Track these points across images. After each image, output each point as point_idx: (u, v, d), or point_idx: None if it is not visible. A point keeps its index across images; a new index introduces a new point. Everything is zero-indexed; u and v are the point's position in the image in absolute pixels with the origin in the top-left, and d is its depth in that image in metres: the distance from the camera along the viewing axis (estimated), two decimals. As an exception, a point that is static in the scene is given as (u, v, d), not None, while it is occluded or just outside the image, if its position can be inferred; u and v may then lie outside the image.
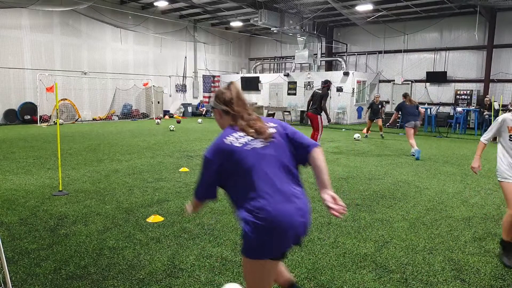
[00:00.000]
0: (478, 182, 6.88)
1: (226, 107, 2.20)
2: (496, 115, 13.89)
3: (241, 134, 2.14)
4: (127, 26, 19.22)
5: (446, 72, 18.95)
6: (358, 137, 12.97)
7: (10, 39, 16.40)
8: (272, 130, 2.19)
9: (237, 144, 2.09)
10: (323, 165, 2.17)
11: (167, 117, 21.54)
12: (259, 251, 2.03)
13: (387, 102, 20.40)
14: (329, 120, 10.28)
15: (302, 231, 2.09)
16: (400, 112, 10.62)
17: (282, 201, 2.03)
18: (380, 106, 13.71)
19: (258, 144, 2.12)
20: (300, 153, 2.20)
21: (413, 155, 9.58)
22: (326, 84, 10.28)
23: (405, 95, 10.64)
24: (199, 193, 2.22)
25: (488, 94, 17.30)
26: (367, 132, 13.85)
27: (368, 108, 14.05)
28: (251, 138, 2.13)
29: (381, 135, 13.89)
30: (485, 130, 17.48)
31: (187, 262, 3.48)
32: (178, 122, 18.35)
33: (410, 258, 3.66)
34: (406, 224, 4.62)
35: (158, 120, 18.21)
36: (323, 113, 10.03)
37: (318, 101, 9.92)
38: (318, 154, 2.18)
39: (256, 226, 1.98)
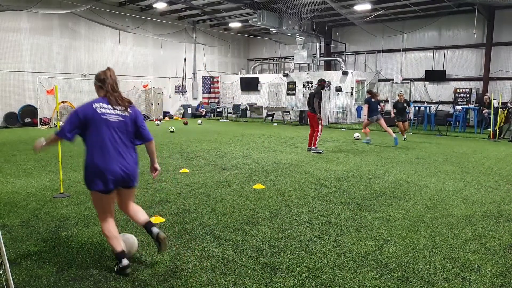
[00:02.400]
0: (478, 180, 6.90)
1: (100, 84, 3.24)
2: (496, 113, 13.87)
3: (105, 105, 3.16)
4: (126, 28, 19.24)
5: (445, 70, 18.97)
6: (358, 136, 12.96)
7: (10, 42, 16.41)
8: (128, 113, 3.25)
9: (99, 111, 3.12)
10: (153, 150, 3.55)
11: (167, 118, 21.55)
12: (90, 185, 3.22)
13: (386, 101, 20.42)
14: (319, 119, 10.04)
15: (123, 180, 3.25)
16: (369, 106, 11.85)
17: (110, 158, 3.14)
18: (405, 105, 12.62)
19: (113, 117, 3.16)
20: (140, 138, 3.41)
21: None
22: (320, 83, 10.26)
23: (369, 92, 12.10)
24: (60, 132, 3.12)
25: (487, 92, 17.33)
26: (402, 134, 12.81)
27: (393, 108, 13.05)
28: (112, 110, 3.17)
29: (404, 138, 12.76)
30: (485, 128, 17.23)
31: (189, 263, 3.49)
32: (185, 123, 18.33)
33: (411, 257, 3.67)
34: (406, 222, 4.64)
35: (158, 122, 18.22)
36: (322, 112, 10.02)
37: (312, 100, 9.96)
38: (152, 145, 3.51)
39: (88, 170, 3.17)
